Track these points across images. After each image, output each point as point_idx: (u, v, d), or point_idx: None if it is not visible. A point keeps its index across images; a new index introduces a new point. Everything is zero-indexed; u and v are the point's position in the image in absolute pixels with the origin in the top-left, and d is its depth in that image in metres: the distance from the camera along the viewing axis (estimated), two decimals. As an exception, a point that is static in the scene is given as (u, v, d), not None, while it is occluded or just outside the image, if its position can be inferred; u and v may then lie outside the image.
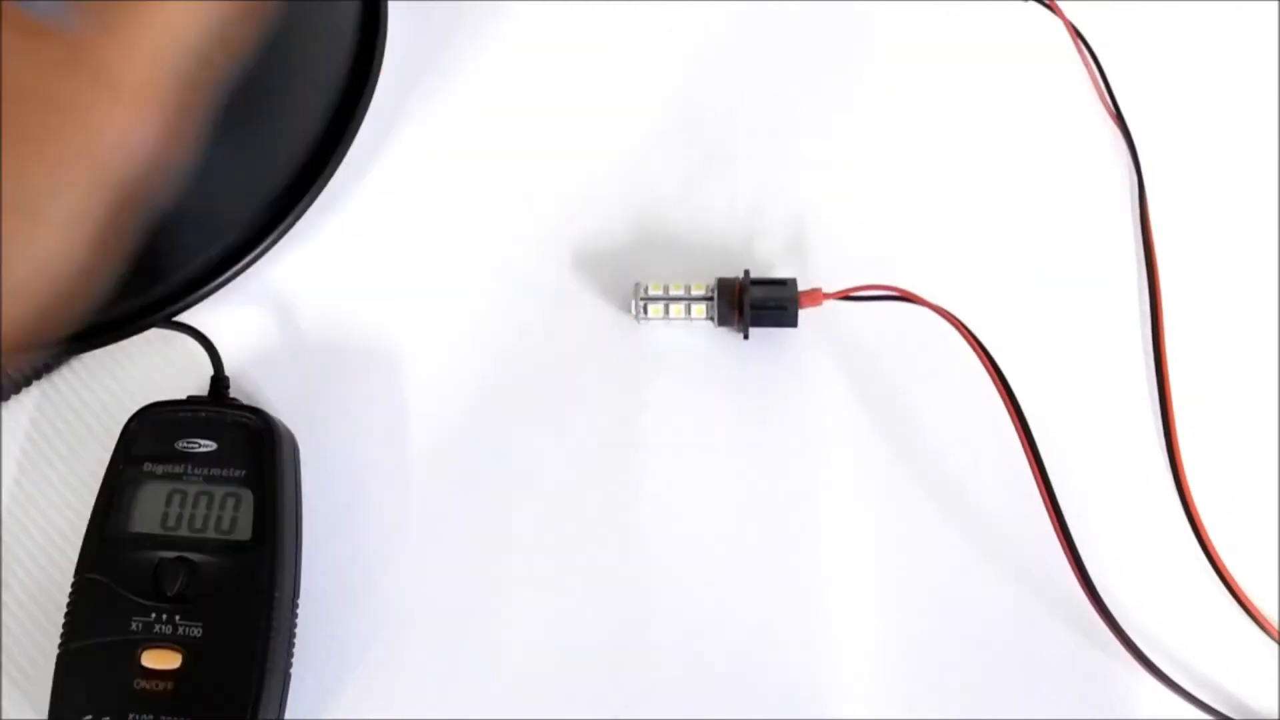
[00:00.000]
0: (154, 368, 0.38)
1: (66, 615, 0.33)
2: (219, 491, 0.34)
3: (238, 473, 0.35)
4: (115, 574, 0.33)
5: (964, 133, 0.43)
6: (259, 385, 0.38)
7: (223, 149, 0.35)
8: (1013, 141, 0.43)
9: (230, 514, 0.34)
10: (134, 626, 0.33)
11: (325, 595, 0.36)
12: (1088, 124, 0.43)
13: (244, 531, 0.34)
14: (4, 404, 0.37)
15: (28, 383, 0.38)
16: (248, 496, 0.34)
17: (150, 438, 0.35)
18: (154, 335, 0.38)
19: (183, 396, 0.36)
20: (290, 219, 0.37)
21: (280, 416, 0.36)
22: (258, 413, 0.36)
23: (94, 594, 0.33)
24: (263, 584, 0.33)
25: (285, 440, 0.36)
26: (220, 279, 0.36)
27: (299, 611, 0.35)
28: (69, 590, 0.33)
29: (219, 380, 0.37)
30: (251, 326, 0.39)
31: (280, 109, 0.37)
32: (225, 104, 0.34)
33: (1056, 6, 0.44)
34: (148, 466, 0.34)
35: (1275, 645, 0.36)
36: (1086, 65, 0.44)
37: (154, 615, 0.33)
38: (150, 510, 0.34)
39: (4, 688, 0.35)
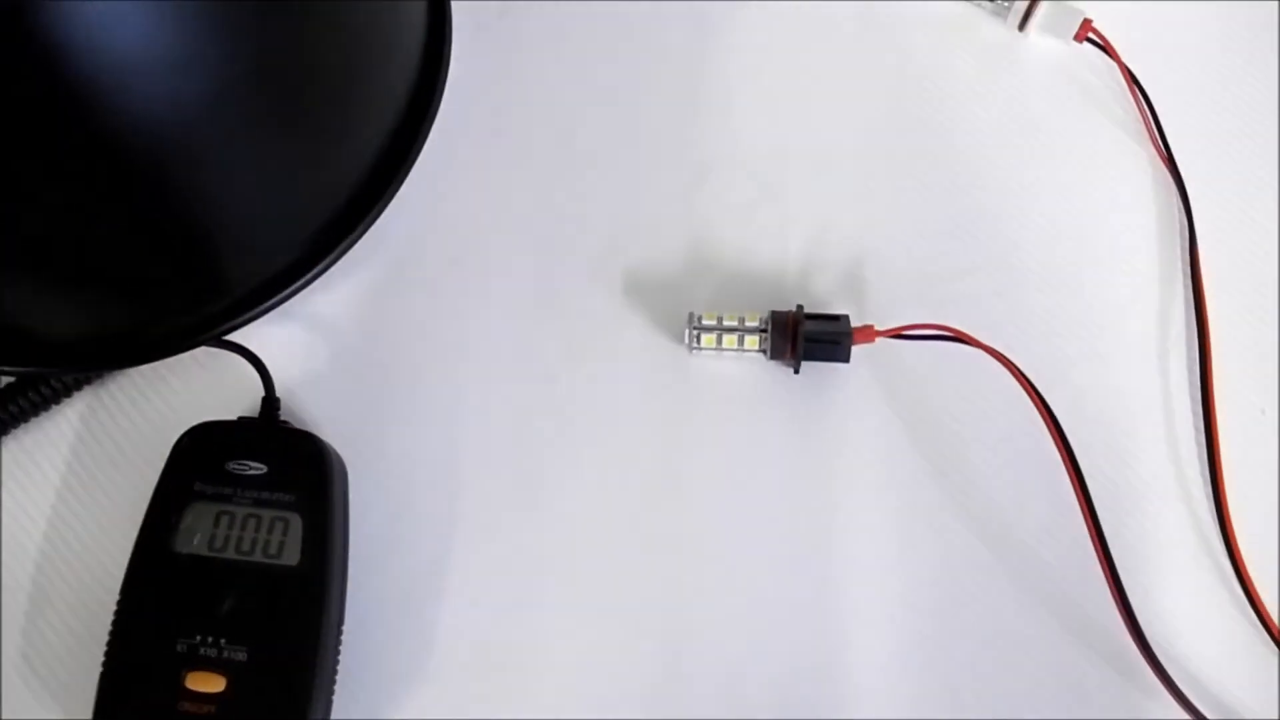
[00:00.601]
0: (204, 387, 0.38)
1: (111, 634, 0.33)
2: (268, 515, 0.34)
3: (288, 497, 0.34)
4: (161, 594, 0.33)
5: (1018, 174, 0.43)
6: (307, 407, 0.38)
7: (282, 165, 0.35)
8: (1066, 183, 0.43)
9: (279, 538, 0.34)
10: (179, 648, 0.33)
11: (370, 621, 0.36)
12: (1139, 167, 0.43)
13: (292, 556, 0.34)
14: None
15: (24, 416, 0.37)
16: (297, 521, 0.34)
17: (201, 457, 0.35)
18: (203, 354, 0.38)
19: (232, 417, 0.36)
20: (348, 241, 0.37)
21: (328, 439, 0.36)
22: (309, 437, 0.35)
23: (139, 613, 0.33)
24: (309, 610, 0.33)
25: (336, 466, 0.35)
26: (274, 299, 0.36)
27: (344, 637, 0.35)
28: (114, 608, 0.33)
29: (270, 402, 0.37)
30: (300, 347, 0.39)
31: (340, 129, 0.37)
32: (285, 118, 0.34)
33: (1112, 49, 0.43)
34: (198, 486, 0.34)
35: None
36: (1140, 108, 0.44)
37: (199, 637, 0.33)
38: (198, 531, 0.34)
39: (48, 706, 0.34)
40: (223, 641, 0.33)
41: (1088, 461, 0.36)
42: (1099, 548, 0.36)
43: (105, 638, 0.33)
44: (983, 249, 0.42)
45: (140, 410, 0.38)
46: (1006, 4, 0.44)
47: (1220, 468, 0.38)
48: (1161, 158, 0.43)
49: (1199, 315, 0.41)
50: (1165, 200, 0.43)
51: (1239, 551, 0.37)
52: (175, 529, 0.34)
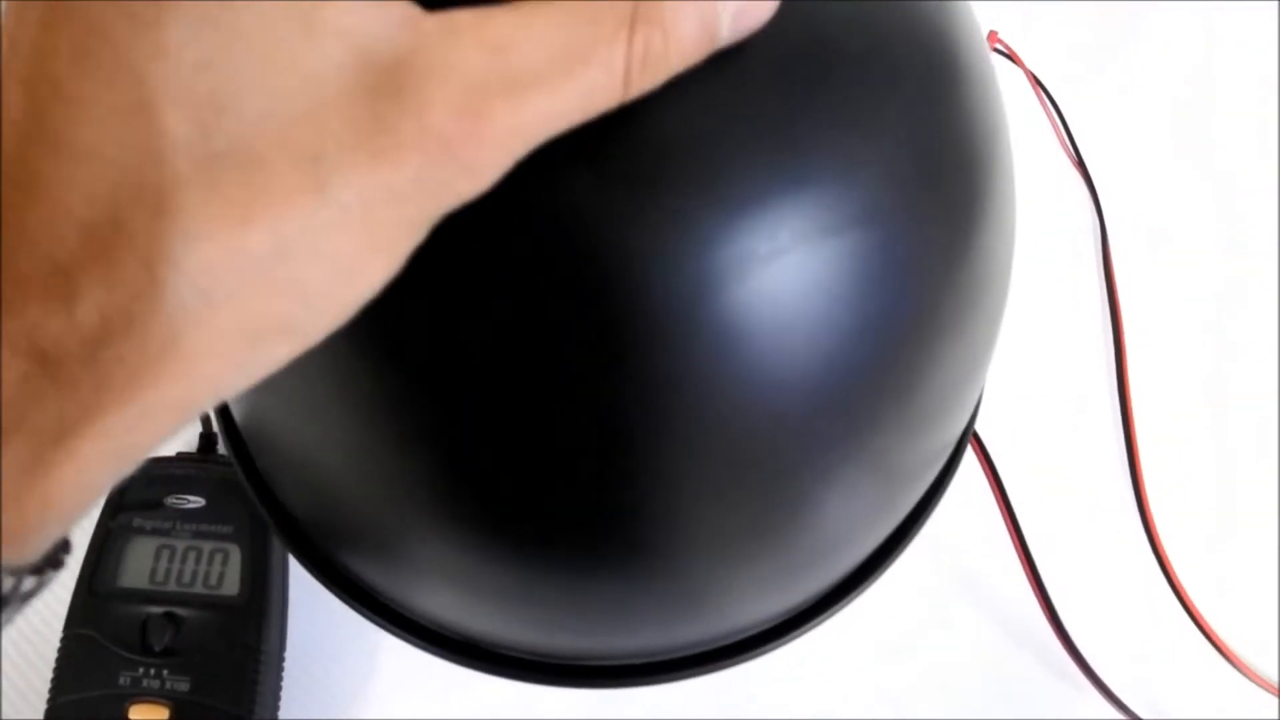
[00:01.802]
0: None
1: (55, 669, 0.33)
2: (207, 547, 0.35)
3: (226, 528, 0.35)
4: (103, 628, 0.34)
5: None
6: (246, 440, 0.39)
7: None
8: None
9: (218, 569, 0.35)
10: (122, 681, 0.33)
11: (312, 648, 0.36)
12: (1050, 171, 0.45)
13: (231, 587, 0.35)
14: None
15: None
16: (235, 552, 0.35)
17: (139, 493, 0.35)
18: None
19: (171, 453, 0.37)
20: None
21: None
22: (245, 468, 0.36)
23: (82, 648, 0.34)
24: (249, 639, 0.34)
25: (272, 494, 0.36)
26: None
27: (285, 665, 0.35)
28: (57, 645, 0.34)
29: (208, 437, 0.38)
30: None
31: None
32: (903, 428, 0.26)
33: (1016, 57, 0.45)
34: (137, 522, 0.35)
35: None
36: (1047, 113, 0.45)
37: (142, 670, 0.33)
38: (139, 565, 0.35)
39: (-6, 745, 0.35)
40: (165, 673, 0.33)
41: (1004, 461, 0.38)
42: (1018, 544, 0.37)
43: (49, 674, 0.33)
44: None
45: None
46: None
47: (1139, 464, 0.40)
48: (1071, 160, 0.45)
49: (1113, 311, 0.42)
50: (1077, 201, 0.44)
51: (1161, 545, 0.38)
52: (116, 564, 0.35)
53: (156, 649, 0.34)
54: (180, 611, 0.34)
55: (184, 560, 0.35)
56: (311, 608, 0.37)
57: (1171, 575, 0.38)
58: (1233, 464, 0.40)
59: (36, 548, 0.16)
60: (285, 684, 0.35)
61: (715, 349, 0.21)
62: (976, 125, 0.26)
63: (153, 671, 0.33)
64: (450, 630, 0.30)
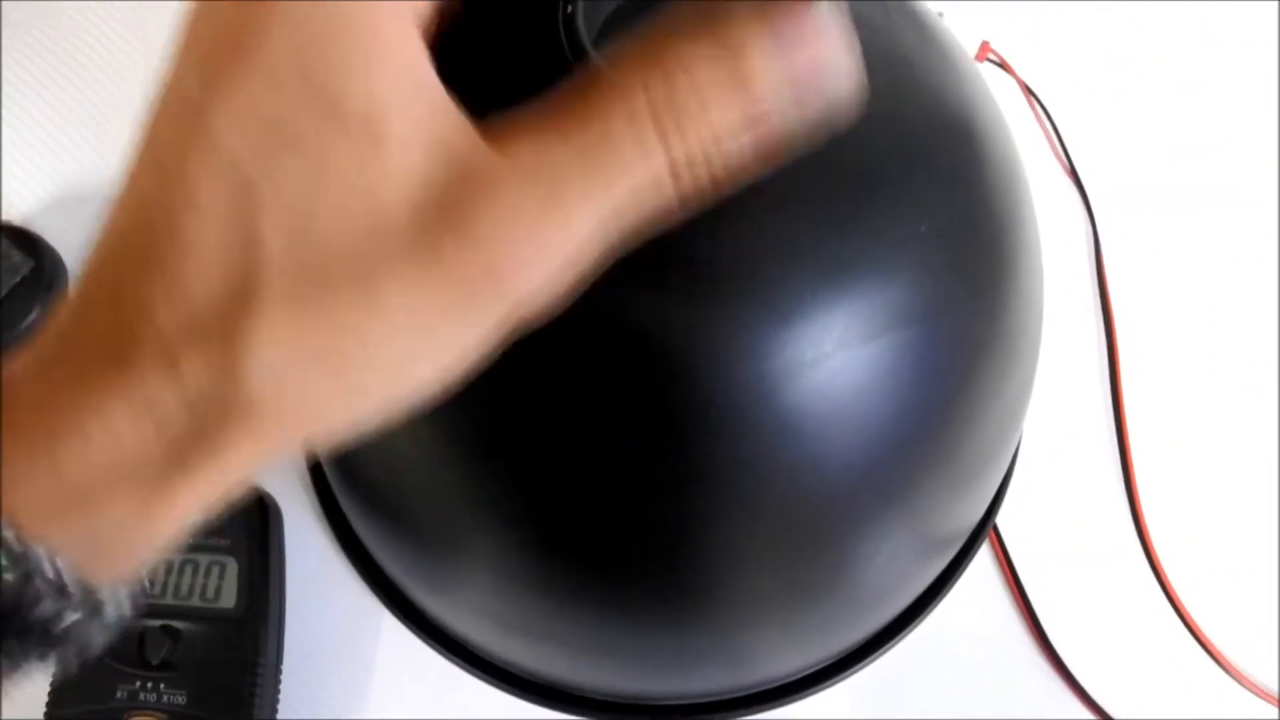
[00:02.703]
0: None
1: (52, 683, 0.34)
2: (204, 559, 0.35)
3: (223, 542, 0.35)
4: (101, 642, 0.34)
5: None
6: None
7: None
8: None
9: (215, 582, 0.35)
10: (119, 694, 0.33)
11: (309, 660, 0.37)
12: (1044, 180, 0.45)
13: (228, 599, 0.35)
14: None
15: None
16: (232, 565, 0.35)
17: (136, 508, 0.36)
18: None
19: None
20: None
21: (263, 483, 0.37)
22: (241, 481, 0.36)
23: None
24: (246, 651, 0.34)
25: (269, 509, 0.36)
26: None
27: (283, 676, 0.35)
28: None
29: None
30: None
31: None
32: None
33: (1009, 67, 0.45)
34: (133, 536, 0.35)
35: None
36: (1040, 123, 0.45)
37: (139, 683, 0.34)
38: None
39: (-9, 758, 0.35)
40: (162, 686, 0.34)
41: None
42: (1005, 565, 0.37)
43: (47, 687, 0.33)
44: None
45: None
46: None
47: (1133, 474, 0.40)
48: (1064, 169, 0.45)
49: (1106, 320, 0.42)
50: (1071, 210, 0.44)
51: (1158, 559, 0.39)
52: (113, 578, 0.35)
53: (154, 662, 0.34)
54: (177, 624, 0.34)
55: (181, 573, 0.35)
56: (306, 618, 0.37)
57: (1169, 589, 0.38)
58: (1229, 477, 0.40)
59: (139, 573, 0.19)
60: (282, 694, 0.35)
61: (767, 440, 0.25)
62: (1000, 203, 0.29)
63: (150, 685, 0.34)
64: (517, 669, 0.35)
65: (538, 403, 0.26)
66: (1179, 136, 0.46)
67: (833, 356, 0.25)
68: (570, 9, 0.24)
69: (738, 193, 0.18)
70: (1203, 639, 0.37)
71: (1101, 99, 0.46)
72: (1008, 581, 0.38)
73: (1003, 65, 0.45)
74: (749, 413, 0.25)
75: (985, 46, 0.45)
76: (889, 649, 0.35)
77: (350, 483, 0.34)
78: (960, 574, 0.36)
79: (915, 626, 0.35)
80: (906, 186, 0.26)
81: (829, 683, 0.35)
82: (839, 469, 0.26)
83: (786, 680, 0.35)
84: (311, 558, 0.38)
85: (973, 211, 0.28)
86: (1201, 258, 0.44)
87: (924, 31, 0.30)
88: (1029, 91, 0.45)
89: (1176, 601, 0.38)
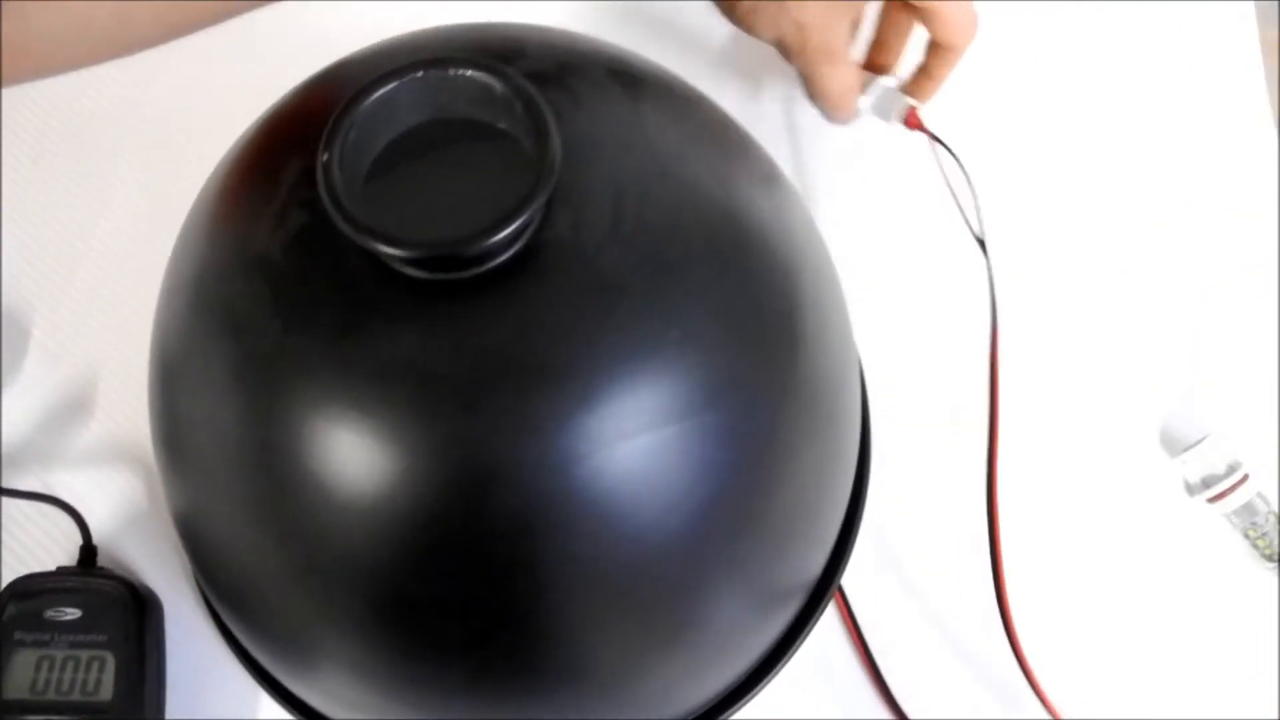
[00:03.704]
0: (32, 539, 0.41)
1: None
2: (84, 655, 0.37)
3: (101, 637, 0.38)
4: (-11, 739, 0.36)
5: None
6: (128, 549, 0.41)
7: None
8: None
9: (95, 676, 0.37)
10: (3, 787, 0.36)
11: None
12: (954, 247, 0.45)
13: (106, 692, 0.37)
14: None
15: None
16: (110, 659, 0.37)
17: (20, 609, 0.38)
18: (30, 507, 0.41)
19: (53, 568, 0.40)
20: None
21: (148, 578, 0.39)
22: (120, 580, 0.39)
23: (-31, 759, 0.36)
24: (121, 741, 0.36)
25: (148, 604, 0.39)
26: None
27: (161, 765, 0.38)
28: (-54, 757, 0.36)
29: (88, 549, 0.40)
30: (122, 492, 0.42)
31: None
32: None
33: (928, 131, 0.44)
34: (18, 635, 0.38)
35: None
36: (951, 191, 0.45)
37: (23, 776, 0.36)
38: (20, 677, 0.37)
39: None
40: (44, 778, 0.36)
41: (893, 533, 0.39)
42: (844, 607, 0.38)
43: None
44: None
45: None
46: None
47: (999, 544, 0.40)
48: (971, 232, 0.44)
49: (992, 387, 0.42)
50: (976, 275, 0.44)
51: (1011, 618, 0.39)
52: (1, 678, 0.37)
53: (39, 756, 0.36)
54: (59, 719, 0.37)
55: (63, 669, 0.37)
56: (189, 704, 0.39)
57: (1019, 650, 0.39)
58: (1092, 551, 0.41)
59: None
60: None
61: (579, 513, 0.28)
62: (778, 300, 0.31)
63: (32, 777, 0.36)
64: None
65: (361, 524, 0.28)
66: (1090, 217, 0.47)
67: (632, 437, 0.27)
68: (326, 157, 0.26)
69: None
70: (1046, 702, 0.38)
71: (1020, 168, 0.48)
72: (853, 639, 0.39)
73: (928, 134, 0.44)
74: (562, 495, 0.27)
75: (913, 114, 0.45)
76: (738, 708, 0.37)
77: (214, 589, 0.36)
78: (809, 629, 0.37)
79: (765, 685, 0.37)
80: (655, 298, 0.28)
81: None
82: (656, 533, 0.29)
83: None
84: (198, 645, 0.40)
85: (740, 309, 0.30)
86: (1089, 331, 0.45)
87: (721, 144, 0.32)
88: (953, 156, 0.44)
89: (1025, 663, 0.39)
